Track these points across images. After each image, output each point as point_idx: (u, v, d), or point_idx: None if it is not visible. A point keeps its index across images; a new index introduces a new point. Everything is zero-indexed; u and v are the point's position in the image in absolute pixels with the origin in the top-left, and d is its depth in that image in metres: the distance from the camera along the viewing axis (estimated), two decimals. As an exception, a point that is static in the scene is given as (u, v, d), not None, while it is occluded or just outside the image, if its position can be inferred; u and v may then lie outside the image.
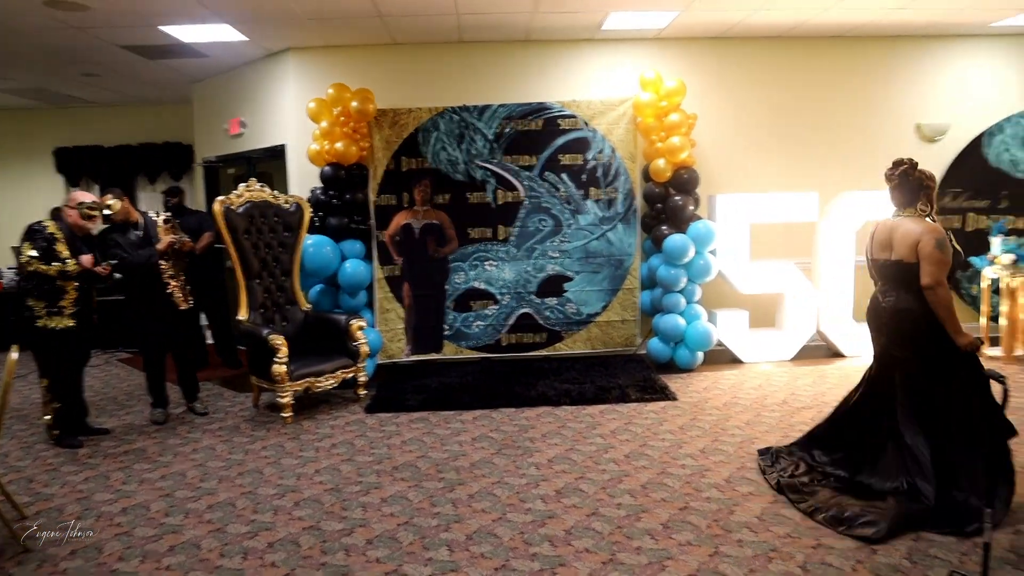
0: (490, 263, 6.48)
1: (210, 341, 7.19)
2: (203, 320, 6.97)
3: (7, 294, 8.20)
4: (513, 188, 6.41)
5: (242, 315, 5.52)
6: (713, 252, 6.28)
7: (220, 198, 5.51)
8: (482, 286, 6.50)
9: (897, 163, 3.57)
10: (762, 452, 4.21)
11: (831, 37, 6.75)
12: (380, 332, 6.37)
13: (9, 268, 8.49)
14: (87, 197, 4.82)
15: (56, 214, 4.77)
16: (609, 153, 6.40)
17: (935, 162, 6.85)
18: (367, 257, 6.33)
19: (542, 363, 6.46)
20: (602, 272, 6.50)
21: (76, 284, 4.71)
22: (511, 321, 6.53)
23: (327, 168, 6.16)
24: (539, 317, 6.53)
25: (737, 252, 6.38)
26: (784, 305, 6.56)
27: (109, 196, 5.06)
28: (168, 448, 4.73)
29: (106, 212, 4.98)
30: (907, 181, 3.51)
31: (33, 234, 4.61)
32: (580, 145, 6.39)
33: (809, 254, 6.67)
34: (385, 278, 6.44)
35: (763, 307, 6.68)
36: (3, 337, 8.44)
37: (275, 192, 5.83)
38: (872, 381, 3.75)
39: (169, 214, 5.39)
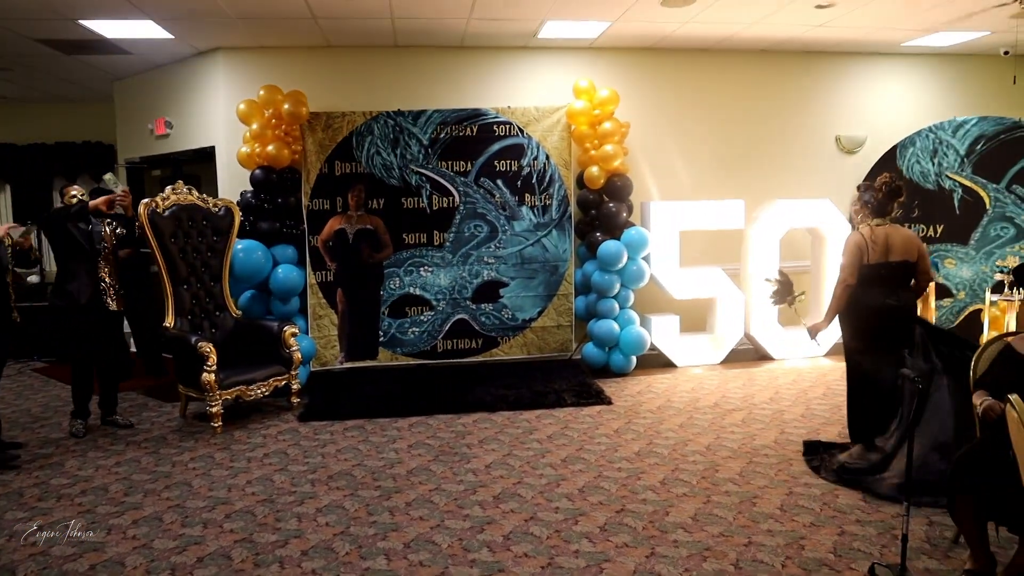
0: (425, 269, 6.45)
1: (133, 349, 6.88)
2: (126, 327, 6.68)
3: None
4: (448, 194, 6.40)
5: (168, 321, 5.33)
6: (646, 258, 6.40)
7: (145, 200, 5.31)
8: (417, 292, 6.46)
9: (892, 176, 4.09)
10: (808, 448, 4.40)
11: (757, 51, 7.00)
12: (313, 339, 6.25)
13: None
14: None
15: None
16: (544, 160, 6.46)
17: (854, 173, 7.18)
18: (300, 262, 6.22)
19: (478, 369, 6.45)
20: (537, 278, 6.54)
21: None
22: (447, 327, 6.51)
23: (258, 171, 6.03)
24: (475, 323, 6.53)
25: (669, 258, 6.53)
26: (714, 310, 6.75)
27: (74, 187, 5.15)
28: (89, 461, 4.52)
29: (84, 199, 5.01)
30: (895, 193, 4.05)
31: None
32: (515, 151, 6.43)
33: (737, 260, 6.88)
34: (318, 284, 6.33)
35: (694, 312, 6.86)
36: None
37: (203, 195, 5.67)
38: (879, 373, 4.05)
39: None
